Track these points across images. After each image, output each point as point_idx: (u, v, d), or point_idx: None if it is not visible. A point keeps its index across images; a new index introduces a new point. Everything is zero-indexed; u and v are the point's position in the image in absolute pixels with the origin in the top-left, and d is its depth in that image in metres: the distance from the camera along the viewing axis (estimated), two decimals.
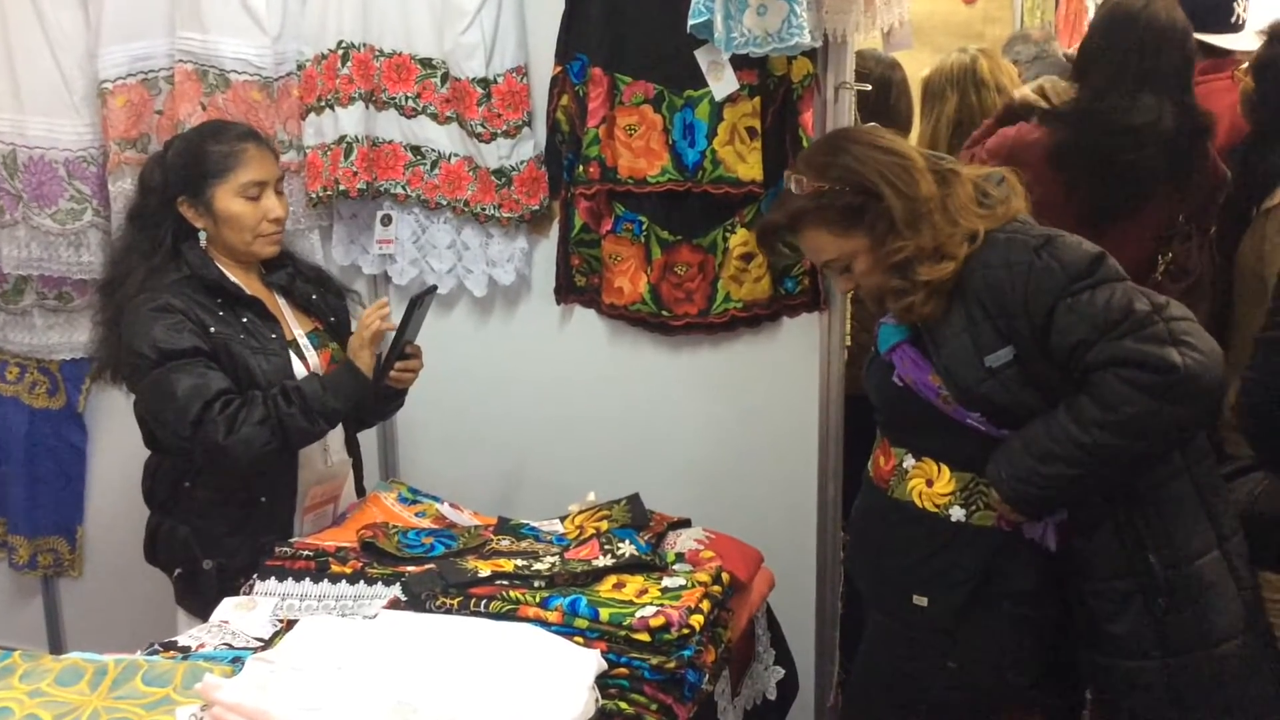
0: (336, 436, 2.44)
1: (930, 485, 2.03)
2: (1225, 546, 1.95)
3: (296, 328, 2.41)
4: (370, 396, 2.33)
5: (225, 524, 2.31)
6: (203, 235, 2.31)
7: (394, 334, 2.35)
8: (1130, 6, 2.74)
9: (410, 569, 2.03)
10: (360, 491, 2.58)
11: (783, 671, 2.34)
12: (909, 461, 2.06)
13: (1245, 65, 2.82)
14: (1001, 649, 2.03)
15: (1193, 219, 2.78)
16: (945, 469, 2.02)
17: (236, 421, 2.14)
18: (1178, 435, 1.88)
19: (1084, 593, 1.97)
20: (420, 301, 2.32)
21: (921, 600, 2.04)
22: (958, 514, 2.01)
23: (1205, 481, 1.96)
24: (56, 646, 3.34)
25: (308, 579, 2.07)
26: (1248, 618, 1.96)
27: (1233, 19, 3.24)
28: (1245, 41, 3.22)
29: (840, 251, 2.00)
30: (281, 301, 2.43)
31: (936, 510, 2.02)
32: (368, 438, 2.90)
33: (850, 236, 1.98)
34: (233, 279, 2.33)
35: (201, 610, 2.10)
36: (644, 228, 2.63)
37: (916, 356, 2.00)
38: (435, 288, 2.46)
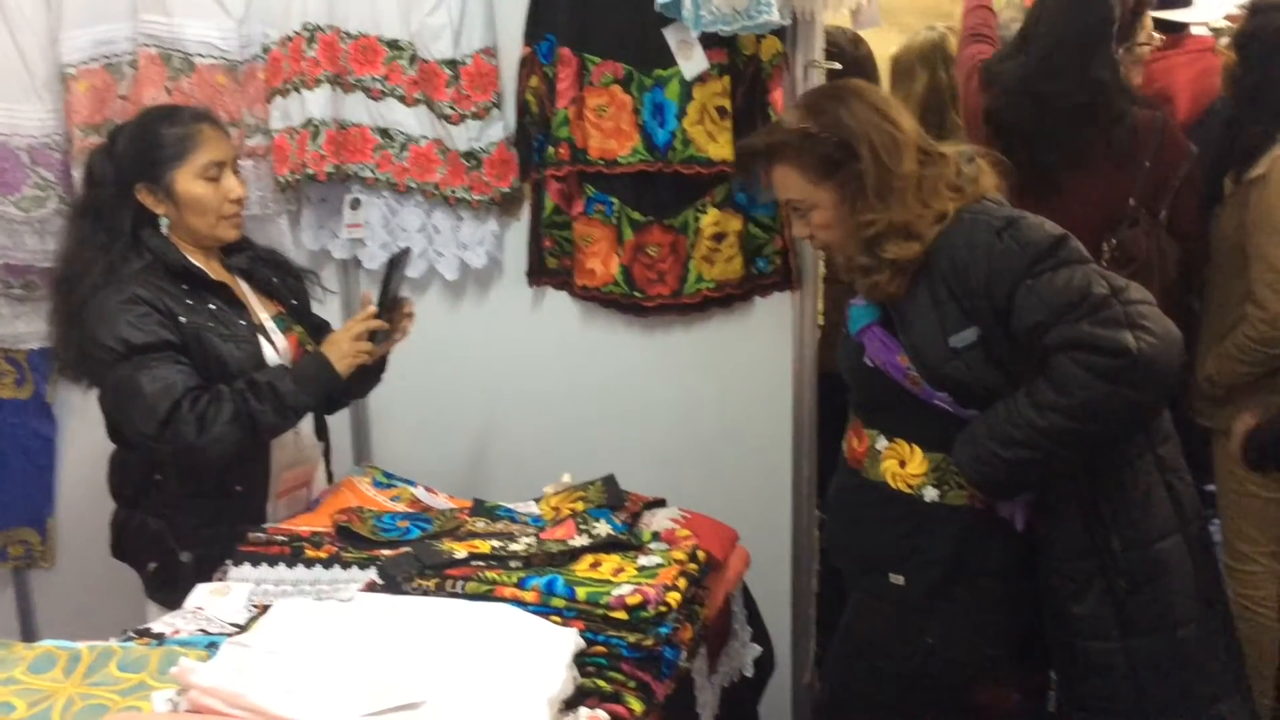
0: (306, 420, 2.41)
1: (903, 466, 2.04)
2: (1187, 530, 1.96)
3: (261, 312, 2.38)
4: (340, 389, 2.33)
5: (199, 515, 2.28)
6: (164, 222, 2.26)
7: (379, 296, 2.33)
8: None
9: (386, 552, 2.03)
10: (330, 475, 2.56)
11: (759, 649, 2.35)
12: (881, 443, 2.07)
13: (1226, 40, 2.85)
14: (978, 624, 2.05)
15: (1144, 203, 2.79)
16: (917, 450, 2.03)
17: (207, 420, 2.11)
18: (1134, 418, 1.88)
19: (1048, 572, 1.99)
20: (398, 263, 2.32)
21: (898, 579, 2.06)
22: (931, 494, 2.02)
23: (1169, 464, 1.96)
24: (29, 638, 3.29)
25: (282, 564, 2.06)
26: (1207, 602, 1.97)
27: None
28: (1198, 14, 3.28)
29: (805, 196, 2.01)
30: (244, 286, 2.40)
31: (910, 491, 2.03)
32: (341, 423, 2.88)
33: (819, 186, 1.98)
34: (197, 264, 2.30)
35: (176, 603, 2.06)
36: (615, 209, 2.62)
37: (885, 338, 2.01)
38: (409, 249, 2.44)
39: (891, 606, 2.08)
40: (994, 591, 2.04)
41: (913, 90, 3.37)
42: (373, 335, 2.30)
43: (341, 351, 2.26)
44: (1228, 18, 3.28)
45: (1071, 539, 1.95)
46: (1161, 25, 3.05)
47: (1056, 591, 1.98)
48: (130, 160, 2.25)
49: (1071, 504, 1.94)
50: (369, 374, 2.42)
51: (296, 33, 2.74)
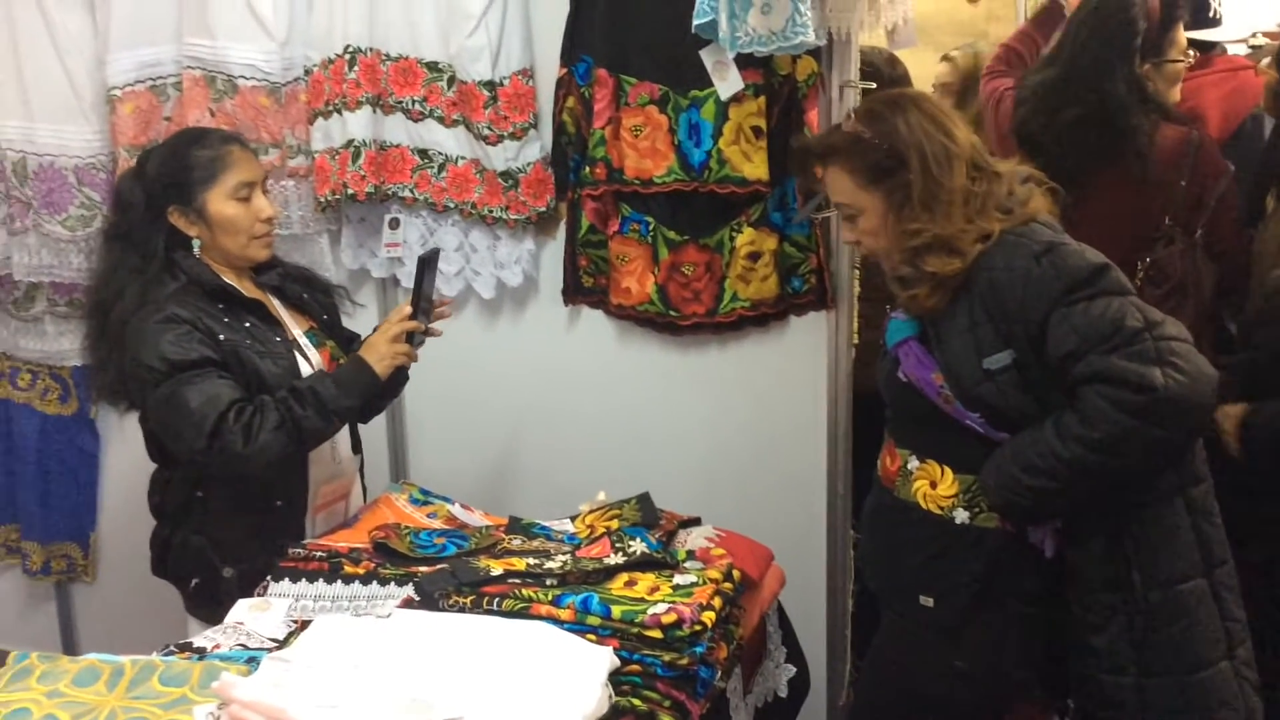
0: (342, 435, 2.43)
1: (934, 487, 2.03)
2: (1213, 575, 1.93)
3: (295, 328, 2.41)
4: (380, 392, 2.34)
5: (241, 531, 2.30)
6: (196, 244, 2.29)
7: (413, 297, 2.33)
8: None
9: (423, 569, 2.04)
10: (365, 490, 2.58)
11: (794, 669, 2.34)
12: (913, 463, 2.06)
13: (1268, 59, 2.84)
14: (1007, 647, 2.03)
15: (1180, 221, 2.77)
16: (948, 471, 2.02)
17: (253, 430, 2.13)
18: (1159, 455, 1.85)
19: (1073, 601, 1.97)
20: (429, 263, 2.33)
21: (928, 600, 2.05)
22: (961, 516, 2.01)
23: (1199, 507, 1.93)
24: (71, 652, 3.34)
25: (321, 580, 2.08)
26: (1228, 648, 1.94)
27: (1210, 14, 3.27)
28: (1226, 33, 3.27)
29: (852, 200, 2.02)
30: (276, 302, 2.42)
31: (941, 512, 2.02)
32: (377, 439, 2.91)
33: (867, 191, 1.99)
34: (231, 283, 2.32)
35: (218, 619, 2.07)
36: (651, 228, 2.64)
37: (921, 354, 2.00)
38: (438, 248, 2.45)
39: (921, 628, 2.07)
40: (1023, 615, 2.02)
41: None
42: (410, 337, 2.32)
43: (380, 354, 2.28)
44: (1268, 35, 3.26)
45: (1096, 571, 1.93)
46: (1191, 45, 3.03)
47: (1079, 621, 1.96)
48: (162, 183, 2.27)
49: (1099, 536, 1.92)
50: (398, 375, 2.42)
51: (338, 55, 2.78)
